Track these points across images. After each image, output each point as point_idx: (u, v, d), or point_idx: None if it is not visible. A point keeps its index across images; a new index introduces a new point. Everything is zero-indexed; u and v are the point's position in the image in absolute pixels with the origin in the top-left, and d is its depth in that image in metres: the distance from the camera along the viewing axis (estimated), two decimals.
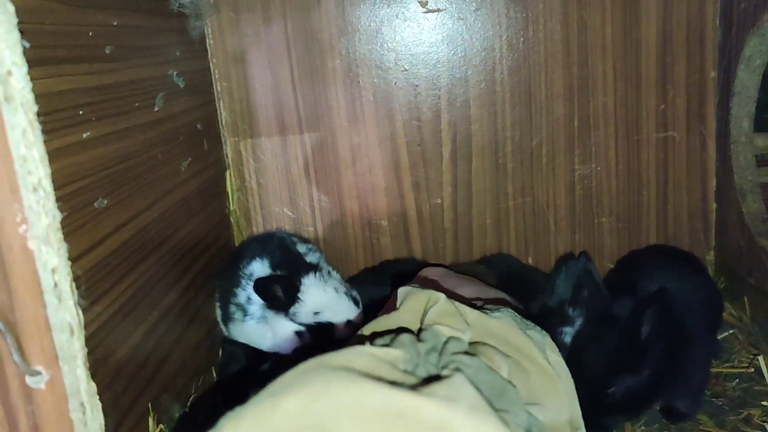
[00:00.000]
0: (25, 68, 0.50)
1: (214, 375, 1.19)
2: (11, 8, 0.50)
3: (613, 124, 1.39)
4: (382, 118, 1.40)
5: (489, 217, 1.44)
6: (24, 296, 0.52)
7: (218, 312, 1.25)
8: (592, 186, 1.42)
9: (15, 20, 0.50)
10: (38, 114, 0.53)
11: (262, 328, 1.16)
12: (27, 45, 0.51)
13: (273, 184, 1.42)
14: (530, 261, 1.45)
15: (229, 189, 1.40)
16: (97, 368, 0.67)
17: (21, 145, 0.50)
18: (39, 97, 0.55)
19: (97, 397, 0.58)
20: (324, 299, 1.13)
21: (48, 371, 0.54)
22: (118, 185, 0.89)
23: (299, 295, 1.13)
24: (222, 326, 1.25)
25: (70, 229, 0.72)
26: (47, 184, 0.52)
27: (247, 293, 1.17)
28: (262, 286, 1.12)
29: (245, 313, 1.18)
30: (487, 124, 1.40)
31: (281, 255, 1.21)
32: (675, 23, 1.35)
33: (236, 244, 1.40)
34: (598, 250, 1.45)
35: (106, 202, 0.85)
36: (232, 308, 1.19)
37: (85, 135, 0.81)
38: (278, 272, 1.18)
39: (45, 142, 0.55)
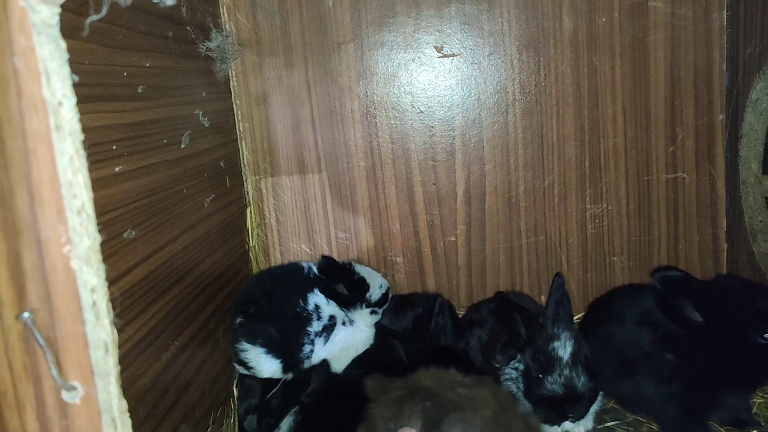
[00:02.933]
0: (74, 100, 0.54)
1: (233, 407, 1.21)
2: (63, 45, 0.54)
3: (624, 165, 1.43)
4: (399, 158, 1.44)
5: (502, 255, 1.47)
6: (65, 314, 0.55)
7: (282, 361, 1.23)
8: (603, 225, 1.45)
9: (66, 56, 0.54)
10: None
11: (354, 330, 1.27)
12: (76, 79, 0.55)
13: (292, 221, 1.46)
14: (542, 299, 1.47)
15: (249, 225, 1.43)
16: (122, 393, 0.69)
17: (68, 170, 0.54)
18: None
19: (128, 414, 0.60)
20: (374, 274, 1.34)
21: (84, 386, 0.56)
22: (146, 218, 0.93)
23: (367, 281, 1.30)
24: (293, 368, 1.23)
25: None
26: (89, 208, 0.55)
27: (321, 323, 1.24)
28: (332, 292, 1.26)
29: (329, 334, 1.25)
30: (500, 165, 1.43)
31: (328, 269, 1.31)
32: (683, 68, 1.39)
33: None
34: (610, 288, 1.46)
35: (134, 233, 0.88)
36: (306, 345, 1.23)
37: (117, 169, 0.85)
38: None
39: None
